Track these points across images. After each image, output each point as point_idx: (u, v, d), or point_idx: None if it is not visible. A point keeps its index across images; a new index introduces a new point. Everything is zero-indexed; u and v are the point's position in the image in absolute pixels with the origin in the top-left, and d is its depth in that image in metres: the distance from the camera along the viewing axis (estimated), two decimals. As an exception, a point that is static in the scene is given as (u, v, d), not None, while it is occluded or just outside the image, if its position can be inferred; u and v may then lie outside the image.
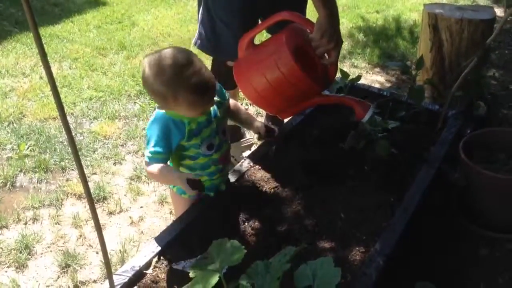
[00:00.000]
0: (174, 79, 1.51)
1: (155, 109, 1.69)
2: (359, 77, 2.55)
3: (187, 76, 1.51)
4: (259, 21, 2.42)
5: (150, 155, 1.62)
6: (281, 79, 1.84)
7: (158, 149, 1.61)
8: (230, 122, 2.00)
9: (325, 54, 1.92)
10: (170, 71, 1.51)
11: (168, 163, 1.71)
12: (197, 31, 2.35)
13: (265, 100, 1.96)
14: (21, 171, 2.68)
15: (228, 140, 1.86)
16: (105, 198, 2.49)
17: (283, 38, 1.85)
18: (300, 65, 1.80)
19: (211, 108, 1.72)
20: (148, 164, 1.63)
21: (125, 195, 2.54)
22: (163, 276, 1.55)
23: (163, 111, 1.64)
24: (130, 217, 2.39)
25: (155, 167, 1.60)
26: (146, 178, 2.65)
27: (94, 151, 2.85)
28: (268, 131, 1.95)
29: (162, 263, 1.59)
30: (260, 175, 2.00)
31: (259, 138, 2.01)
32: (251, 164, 2.05)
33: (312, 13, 2.05)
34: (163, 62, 1.53)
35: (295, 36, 1.89)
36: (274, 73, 1.84)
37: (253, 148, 2.24)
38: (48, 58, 0.90)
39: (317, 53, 1.89)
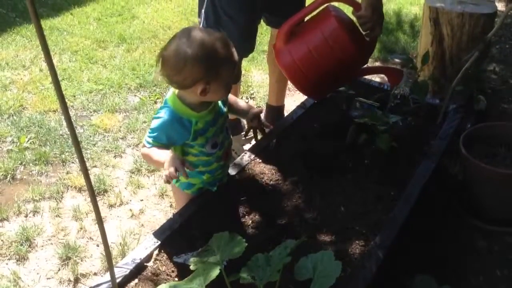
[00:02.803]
0: (220, 52, 1.51)
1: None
2: (360, 71, 2.54)
3: (228, 48, 1.54)
4: (262, 17, 2.43)
5: (150, 141, 1.61)
6: (330, 53, 1.97)
7: (159, 140, 1.61)
8: (231, 116, 2.00)
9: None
10: (216, 46, 1.51)
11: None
12: (200, 25, 2.34)
13: (309, 79, 2.06)
14: (21, 163, 2.68)
15: (229, 135, 1.86)
16: (105, 191, 2.50)
17: (332, 16, 1.98)
18: (351, 39, 1.96)
19: (219, 105, 1.72)
20: (145, 147, 1.63)
21: (125, 188, 2.55)
22: (164, 268, 1.56)
23: (172, 108, 1.61)
24: (131, 210, 2.40)
25: (151, 149, 1.60)
26: (147, 171, 2.65)
27: (94, 144, 2.85)
28: (261, 125, 1.96)
29: (163, 255, 1.60)
30: (260, 168, 2.00)
31: (248, 124, 1.99)
32: (252, 157, 2.05)
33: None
34: (206, 39, 1.50)
35: (340, 15, 2.04)
36: (324, 48, 1.97)
37: (253, 142, 2.25)
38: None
39: (363, 29, 2.06)
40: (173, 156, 1.51)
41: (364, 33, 2.10)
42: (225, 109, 1.77)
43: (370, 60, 3.94)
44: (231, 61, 1.56)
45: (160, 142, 1.61)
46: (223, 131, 1.76)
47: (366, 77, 2.59)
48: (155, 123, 1.62)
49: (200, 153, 1.70)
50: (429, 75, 2.85)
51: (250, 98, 3.40)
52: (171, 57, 1.50)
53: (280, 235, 1.67)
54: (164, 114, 1.61)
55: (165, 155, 1.53)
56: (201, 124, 1.64)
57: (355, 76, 2.26)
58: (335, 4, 2.11)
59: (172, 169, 1.46)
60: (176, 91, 1.62)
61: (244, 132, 2.73)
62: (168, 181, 1.49)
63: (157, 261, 1.58)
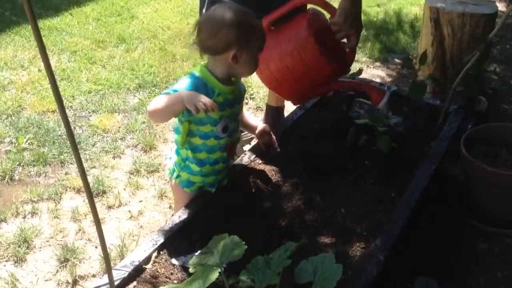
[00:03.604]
0: (253, 21, 1.63)
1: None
2: (360, 71, 2.54)
3: (258, 21, 1.67)
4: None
5: (168, 91, 1.61)
6: (301, 64, 1.88)
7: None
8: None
9: (345, 39, 1.95)
10: (249, 16, 1.62)
11: (176, 136, 1.74)
12: None
13: (282, 85, 1.98)
14: (19, 164, 2.67)
15: (239, 132, 1.86)
16: (104, 192, 2.48)
17: (305, 22, 1.88)
18: (321, 50, 1.85)
19: (239, 91, 1.77)
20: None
21: (124, 189, 2.53)
22: (162, 271, 1.55)
23: (199, 75, 1.66)
24: (130, 211, 2.38)
25: (165, 95, 1.60)
26: (146, 172, 2.64)
27: (93, 145, 2.84)
28: (269, 141, 1.98)
29: (162, 258, 1.59)
30: (260, 169, 1.99)
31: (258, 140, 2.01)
32: (252, 158, 2.04)
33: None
34: (241, 9, 1.61)
35: (315, 21, 1.93)
36: (294, 58, 1.88)
37: (253, 142, 2.24)
38: (47, 50, 0.89)
39: (337, 38, 1.93)
40: (191, 92, 1.56)
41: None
42: (242, 102, 1.83)
43: (369, 60, 3.95)
44: (261, 33, 1.66)
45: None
46: (236, 121, 1.79)
47: (367, 77, 2.58)
48: (177, 82, 1.66)
49: (209, 133, 1.70)
50: (429, 75, 2.84)
51: (250, 98, 3.39)
52: (208, 22, 1.61)
53: (280, 237, 1.66)
54: (189, 77, 1.67)
55: (179, 93, 1.57)
56: (222, 99, 1.68)
57: (335, 87, 2.13)
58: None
59: (204, 99, 1.51)
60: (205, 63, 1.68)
61: (243, 133, 2.73)
62: (202, 108, 1.50)
63: (156, 264, 1.57)
